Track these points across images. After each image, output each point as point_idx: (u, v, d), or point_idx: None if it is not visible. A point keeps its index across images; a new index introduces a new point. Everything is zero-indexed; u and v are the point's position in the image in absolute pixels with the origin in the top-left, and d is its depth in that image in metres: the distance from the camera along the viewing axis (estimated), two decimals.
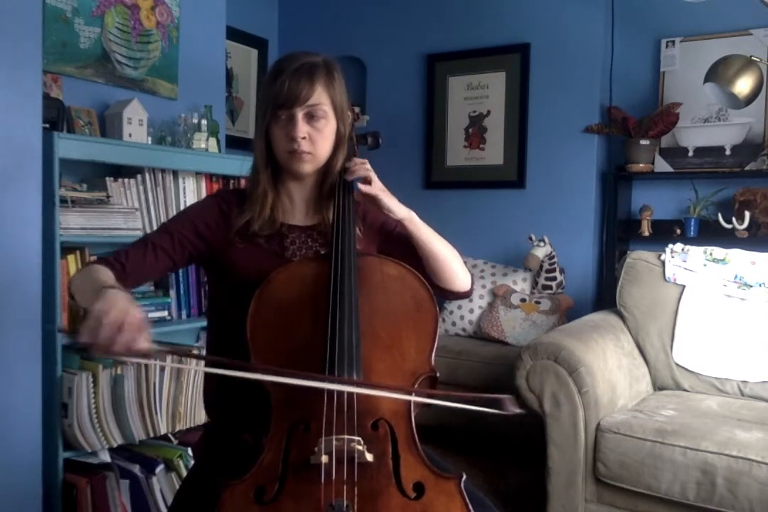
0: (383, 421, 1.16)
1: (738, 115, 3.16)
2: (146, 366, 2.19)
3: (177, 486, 2.15)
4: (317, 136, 1.31)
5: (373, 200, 1.32)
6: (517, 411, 1.12)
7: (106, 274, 1.24)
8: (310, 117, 1.30)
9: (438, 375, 1.23)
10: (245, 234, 1.35)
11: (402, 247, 1.41)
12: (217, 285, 1.43)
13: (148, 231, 2.39)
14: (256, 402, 1.22)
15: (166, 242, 1.33)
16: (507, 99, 3.65)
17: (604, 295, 3.37)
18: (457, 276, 1.40)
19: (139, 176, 2.39)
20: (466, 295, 1.46)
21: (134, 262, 1.31)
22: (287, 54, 1.35)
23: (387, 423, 1.16)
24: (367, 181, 1.33)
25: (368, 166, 1.34)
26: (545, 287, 3.37)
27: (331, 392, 1.13)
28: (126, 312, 1.05)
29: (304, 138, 1.29)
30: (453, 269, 1.39)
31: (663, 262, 2.63)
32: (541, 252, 3.33)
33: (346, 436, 1.09)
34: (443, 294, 1.43)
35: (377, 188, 1.31)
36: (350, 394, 1.13)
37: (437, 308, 1.27)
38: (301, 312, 1.23)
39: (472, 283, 1.45)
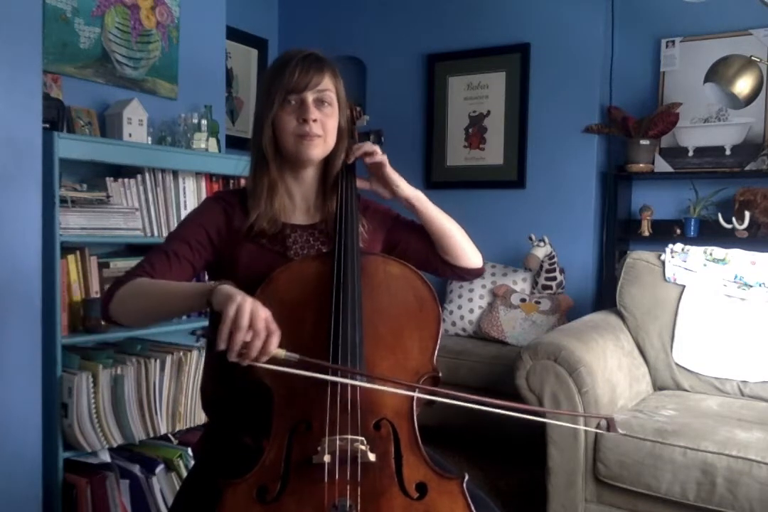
0: (386, 421, 1.16)
1: (738, 115, 3.16)
2: (146, 364, 2.19)
3: (177, 486, 2.16)
4: (326, 121, 1.32)
5: (379, 170, 1.35)
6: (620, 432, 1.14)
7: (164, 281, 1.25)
8: (320, 103, 1.32)
9: (440, 375, 1.23)
10: (249, 234, 1.34)
11: (409, 234, 1.45)
12: None
13: (148, 231, 2.39)
14: (255, 402, 1.22)
15: (186, 251, 1.32)
16: (507, 99, 3.65)
17: (604, 295, 3.37)
18: (467, 252, 1.45)
19: (139, 176, 2.39)
20: (479, 273, 1.50)
21: (161, 273, 1.29)
22: (288, 50, 1.37)
23: (389, 423, 1.16)
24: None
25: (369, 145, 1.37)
26: (545, 287, 3.37)
27: (334, 391, 1.13)
28: (257, 312, 1.05)
29: (315, 120, 1.30)
30: (463, 246, 1.44)
31: (663, 262, 2.63)
32: (541, 252, 3.33)
33: (350, 436, 1.09)
34: (457, 273, 1.47)
35: (382, 156, 1.35)
36: (353, 394, 1.13)
37: (440, 308, 1.27)
38: (304, 311, 1.23)
39: (483, 261, 1.49)
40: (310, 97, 1.30)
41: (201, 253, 1.34)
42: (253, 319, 1.04)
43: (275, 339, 1.06)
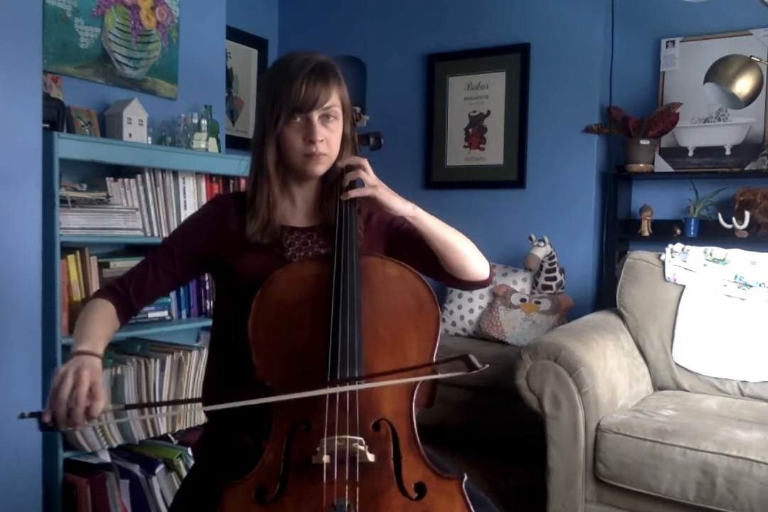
0: (384, 421, 1.16)
1: (738, 115, 3.16)
2: (146, 364, 2.19)
3: (177, 486, 2.15)
4: (332, 138, 1.31)
5: (371, 201, 1.31)
6: (480, 366, 1.13)
7: (98, 317, 1.28)
8: (325, 118, 1.30)
9: (440, 374, 1.23)
10: (247, 240, 1.34)
11: (412, 245, 1.40)
12: (221, 288, 1.44)
13: (148, 231, 2.39)
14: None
15: (167, 260, 1.36)
16: (507, 99, 3.65)
17: (604, 295, 3.38)
18: (472, 266, 1.38)
19: (139, 176, 2.39)
20: (486, 284, 1.43)
21: (136, 285, 1.34)
22: (289, 55, 1.33)
23: (388, 423, 1.16)
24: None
25: (362, 161, 1.32)
26: (545, 287, 3.37)
27: (333, 393, 1.13)
28: (78, 383, 1.09)
29: (321, 140, 1.29)
30: (467, 259, 1.37)
31: (663, 262, 2.63)
32: (541, 252, 3.33)
33: (348, 436, 1.09)
34: (462, 286, 1.42)
35: (370, 188, 1.29)
36: (352, 395, 1.13)
37: (438, 309, 1.27)
38: (303, 313, 1.23)
39: (491, 270, 1.43)
40: (315, 115, 1.28)
41: (185, 261, 1.37)
42: (75, 388, 1.08)
43: (98, 403, 1.08)
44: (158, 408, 2.26)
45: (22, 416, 1.06)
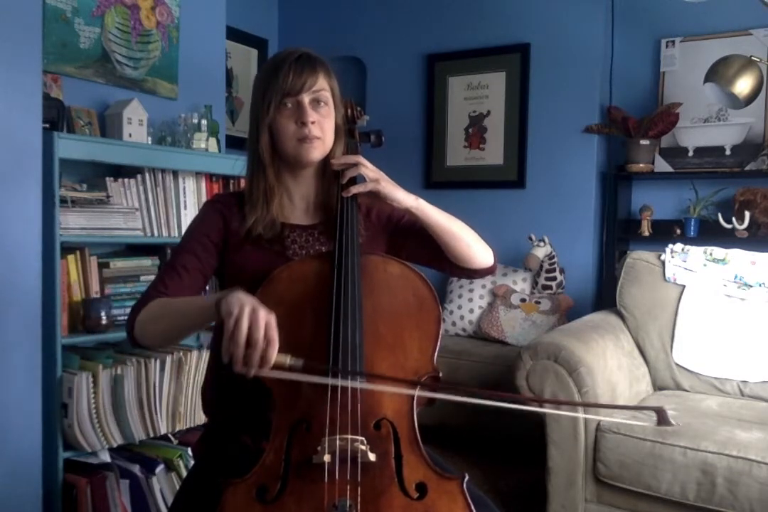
0: (386, 421, 1.15)
1: (738, 115, 3.16)
2: (146, 364, 2.19)
3: (177, 486, 2.16)
4: (323, 122, 1.32)
5: (374, 195, 1.32)
6: (674, 423, 1.12)
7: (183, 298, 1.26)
8: (316, 103, 1.31)
9: (441, 374, 1.23)
10: (248, 236, 1.35)
11: (414, 237, 1.42)
12: (222, 287, 1.43)
13: (148, 231, 2.39)
14: (255, 402, 1.22)
15: (195, 262, 1.34)
16: (507, 99, 3.65)
17: (604, 295, 3.38)
18: (477, 254, 1.40)
19: (139, 176, 2.39)
20: (490, 271, 1.45)
21: (176, 290, 1.31)
22: (279, 51, 1.37)
23: (390, 423, 1.15)
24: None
25: (358, 159, 1.33)
26: (545, 287, 3.37)
27: (334, 391, 1.12)
28: (254, 325, 1.05)
29: (313, 122, 1.30)
30: (471, 248, 1.39)
31: (663, 262, 2.63)
32: (541, 252, 3.33)
33: (349, 436, 1.09)
34: (467, 275, 1.44)
35: (372, 182, 1.30)
36: (353, 394, 1.13)
37: (439, 307, 1.27)
38: (304, 311, 1.23)
39: (495, 257, 1.45)
40: (306, 98, 1.30)
41: (209, 260, 1.36)
42: (251, 330, 1.05)
43: (273, 350, 1.06)
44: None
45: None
